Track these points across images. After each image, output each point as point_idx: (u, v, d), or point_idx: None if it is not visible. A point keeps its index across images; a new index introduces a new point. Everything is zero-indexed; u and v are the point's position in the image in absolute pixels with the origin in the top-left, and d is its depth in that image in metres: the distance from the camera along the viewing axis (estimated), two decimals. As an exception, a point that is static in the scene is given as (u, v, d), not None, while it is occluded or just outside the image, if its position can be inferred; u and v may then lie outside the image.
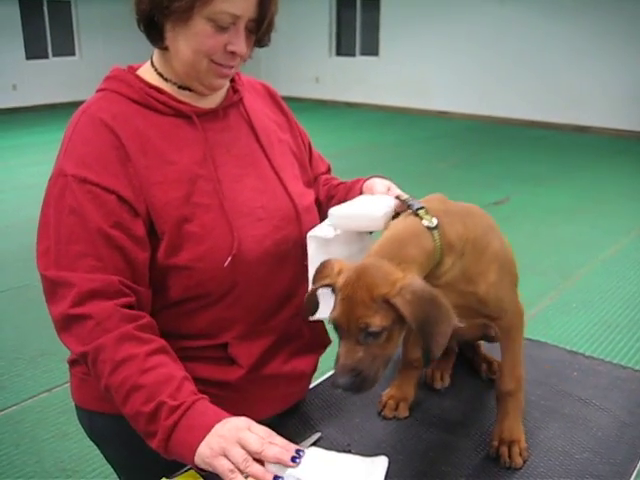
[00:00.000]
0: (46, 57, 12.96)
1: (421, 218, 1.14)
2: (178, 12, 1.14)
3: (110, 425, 1.29)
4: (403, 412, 1.41)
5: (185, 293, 1.22)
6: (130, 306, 1.14)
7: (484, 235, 1.20)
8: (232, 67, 1.23)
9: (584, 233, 5.45)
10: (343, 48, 13.59)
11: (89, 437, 1.39)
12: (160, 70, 1.26)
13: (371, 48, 13.06)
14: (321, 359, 1.45)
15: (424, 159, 8.25)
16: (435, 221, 1.13)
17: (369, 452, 1.26)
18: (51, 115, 11.99)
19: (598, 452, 1.29)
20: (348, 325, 1.02)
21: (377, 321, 1.00)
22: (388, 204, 1.29)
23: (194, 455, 1.02)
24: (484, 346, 1.59)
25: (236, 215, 1.22)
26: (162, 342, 1.13)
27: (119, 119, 1.19)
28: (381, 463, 1.17)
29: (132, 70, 1.28)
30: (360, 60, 13.26)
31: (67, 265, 1.12)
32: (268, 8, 1.20)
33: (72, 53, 13.35)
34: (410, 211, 1.16)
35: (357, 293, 1.01)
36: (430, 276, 1.13)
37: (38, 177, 7.90)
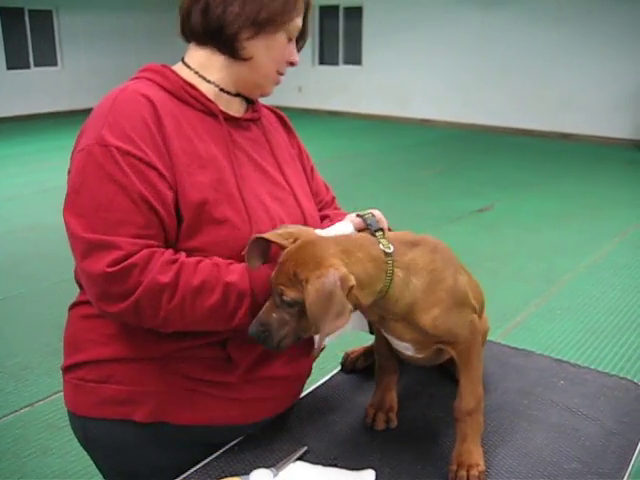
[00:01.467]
0: (28, 67, 12.86)
1: (378, 241, 1.17)
2: (274, 25, 1.27)
3: (105, 431, 1.30)
4: (394, 422, 1.40)
5: None
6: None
7: (440, 271, 1.20)
8: (283, 75, 1.37)
9: (568, 239, 5.48)
10: (326, 57, 13.62)
11: (82, 444, 1.38)
12: (202, 73, 1.32)
13: (354, 57, 13.10)
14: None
15: (407, 167, 8.26)
16: (391, 247, 1.16)
17: (356, 466, 1.24)
18: (32, 126, 11.91)
19: (586, 462, 1.28)
20: (274, 287, 1.12)
21: (290, 293, 1.09)
22: None
23: None
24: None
25: (253, 211, 1.27)
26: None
27: (157, 100, 1.23)
28: (369, 477, 1.16)
29: (167, 66, 1.34)
30: (343, 69, 13.30)
31: (109, 231, 1.14)
32: (308, 19, 1.35)
33: (54, 63, 13.27)
34: (368, 230, 1.22)
35: (289, 262, 1.10)
36: (381, 307, 1.17)
37: (19, 188, 7.86)
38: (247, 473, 1.17)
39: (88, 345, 1.30)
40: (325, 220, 1.50)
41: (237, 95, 1.36)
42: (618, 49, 9.86)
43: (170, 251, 1.18)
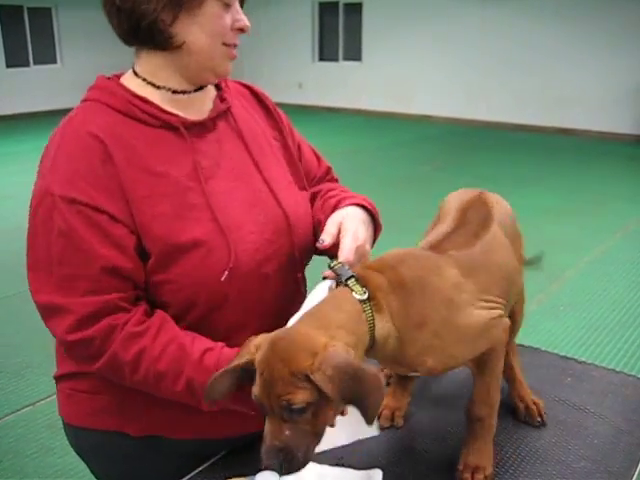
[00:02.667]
0: (27, 65, 12.85)
1: (351, 289, 1.05)
2: (192, 0, 1.11)
3: (97, 441, 1.28)
4: (399, 421, 1.38)
5: (172, 308, 1.17)
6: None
7: (420, 308, 1.06)
8: (236, 46, 1.20)
9: (570, 234, 5.47)
10: (326, 53, 13.59)
11: (76, 452, 1.36)
12: (150, 79, 1.20)
13: (354, 53, 13.07)
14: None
15: (408, 163, 8.25)
16: (365, 294, 1.04)
17: (362, 465, 1.23)
18: (32, 124, 11.88)
19: (595, 460, 1.26)
20: (270, 402, 0.94)
21: (299, 397, 0.92)
22: None
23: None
24: (521, 371, 1.45)
25: (229, 227, 1.18)
26: (158, 318, 1.13)
27: (105, 129, 1.13)
28: (376, 476, 1.14)
29: (116, 79, 1.23)
30: (343, 65, 13.27)
31: (59, 289, 1.09)
32: None
33: (53, 61, 13.25)
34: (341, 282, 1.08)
35: (275, 368, 0.93)
36: (376, 358, 1.09)
37: (19, 187, 7.85)
38: (253, 474, 1.15)
39: None
40: (317, 199, 1.40)
41: (196, 90, 1.24)
42: (619, 44, 9.83)
43: (133, 320, 1.11)
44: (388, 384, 1.42)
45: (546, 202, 6.48)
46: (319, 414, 0.94)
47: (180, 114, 1.21)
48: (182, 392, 1.11)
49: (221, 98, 1.29)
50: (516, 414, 1.40)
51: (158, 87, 1.20)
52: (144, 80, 1.20)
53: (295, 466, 0.94)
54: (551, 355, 1.70)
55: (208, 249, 1.15)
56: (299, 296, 1.28)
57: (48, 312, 1.12)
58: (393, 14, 12.15)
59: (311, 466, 1.07)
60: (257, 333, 1.19)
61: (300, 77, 13.48)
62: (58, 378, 1.32)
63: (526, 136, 10.42)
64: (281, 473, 0.94)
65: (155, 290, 1.16)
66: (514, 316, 1.37)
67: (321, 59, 13.66)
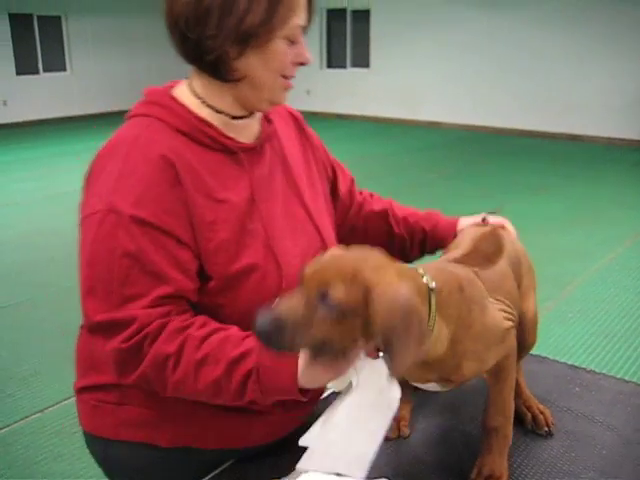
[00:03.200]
0: (37, 72, 12.92)
1: (421, 275, 1.03)
2: (259, 37, 1.12)
3: (124, 453, 1.26)
4: (404, 431, 1.38)
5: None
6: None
7: (466, 316, 1.08)
8: (293, 77, 1.23)
9: (579, 242, 5.44)
10: (334, 60, 13.62)
11: (100, 465, 1.34)
12: (209, 102, 1.21)
13: (362, 60, 13.09)
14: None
15: (416, 170, 8.23)
16: (434, 283, 1.03)
17: (369, 475, 1.23)
18: (42, 131, 11.96)
19: (603, 471, 1.25)
20: (312, 279, 0.92)
21: (339, 293, 0.89)
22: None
23: (294, 380, 1.05)
24: (525, 384, 1.46)
25: (280, 252, 1.21)
26: (204, 317, 1.14)
27: (174, 152, 1.13)
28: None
29: (171, 94, 1.22)
30: (351, 72, 13.29)
31: (123, 306, 1.09)
32: (314, 6, 1.23)
33: (63, 68, 13.32)
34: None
35: (344, 259, 0.93)
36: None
37: (28, 193, 7.87)
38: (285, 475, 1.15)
39: (105, 368, 1.22)
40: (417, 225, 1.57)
41: (249, 115, 1.27)
42: (625, 51, 9.81)
43: (182, 317, 1.11)
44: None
45: (554, 209, 6.46)
46: (338, 325, 0.91)
47: (236, 138, 1.23)
48: (220, 377, 1.07)
49: (267, 119, 1.33)
50: (523, 423, 1.39)
51: (218, 111, 1.21)
52: (203, 102, 1.21)
53: (275, 343, 0.92)
54: (559, 364, 1.69)
55: (262, 274, 1.18)
56: None
57: (106, 329, 1.10)
58: (401, 21, 12.17)
59: (316, 476, 1.07)
60: None
61: (308, 84, 13.50)
62: (81, 390, 1.31)
63: (534, 142, 10.40)
64: (261, 336, 0.92)
65: (207, 311, 1.17)
66: (524, 341, 1.38)
67: (329, 66, 13.69)
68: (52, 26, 12.98)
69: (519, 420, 1.39)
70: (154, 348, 1.08)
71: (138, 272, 1.08)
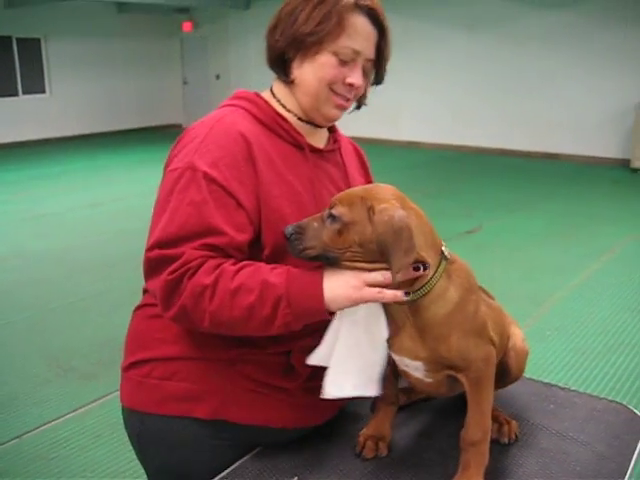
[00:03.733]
0: (16, 94, 12.88)
1: (442, 244, 1.23)
2: (310, 46, 1.34)
3: (163, 428, 1.36)
4: (383, 451, 1.39)
5: None
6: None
7: (468, 293, 1.24)
8: (348, 100, 1.41)
9: (556, 259, 5.51)
10: (313, 81, 13.71)
11: (134, 441, 1.43)
12: (283, 101, 1.43)
13: (341, 80, 13.19)
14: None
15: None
16: (450, 256, 1.23)
17: None
18: (21, 153, 11.90)
19: (577, 487, 1.28)
20: (331, 201, 1.20)
21: (341, 209, 1.17)
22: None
23: (323, 302, 1.18)
24: (496, 402, 1.48)
25: None
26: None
27: (252, 133, 1.33)
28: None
29: (257, 93, 1.44)
30: (331, 92, 13.39)
31: (176, 245, 1.22)
32: (384, 50, 1.43)
33: (42, 90, 13.28)
34: None
35: (361, 190, 1.21)
36: (411, 311, 1.20)
37: (6, 215, 7.79)
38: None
39: (156, 343, 1.38)
40: None
41: (316, 125, 1.44)
42: (601, 70, 9.99)
43: (219, 258, 1.23)
44: (375, 409, 1.44)
45: (533, 226, 6.53)
46: (341, 233, 1.16)
47: (306, 137, 1.43)
48: (255, 301, 1.18)
49: (334, 139, 1.54)
50: None
51: (288, 110, 1.42)
52: (279, 101, 1.43)
53: (295, 246, 1.19)
54: (534, 382, 1.72)
55: None
56: None
57: (158, 263, 1.23)
58: (379, 42, 12.30)
59: None
60: None
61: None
62: (128, 366, 1.42)
63: (513, 161, 10.52)
64: (288, 238, 1.19)
65: None
66: (510, 370, 1.45)
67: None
68: (31, 48, 12.96)
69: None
70: (192, 281, 1.19)
71: (196, 219, 1.23)
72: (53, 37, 13.13)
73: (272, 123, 1.39)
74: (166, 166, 1.34)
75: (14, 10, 12.10)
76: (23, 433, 3.03)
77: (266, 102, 1.42)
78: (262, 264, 1.24)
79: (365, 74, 1.42)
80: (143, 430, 1.40)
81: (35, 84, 13.14)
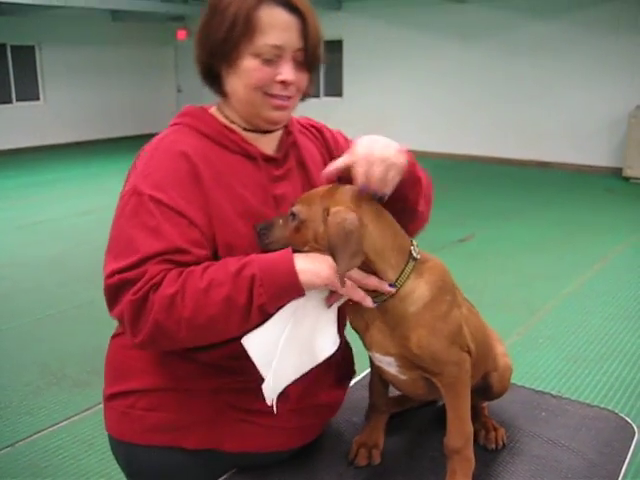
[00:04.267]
0: (10, 102, 12.86)
1: (412, 244, 1.25)
2: (228, 54, 1.28)
3: (151, 458, 1.34)
4: (376, 459, 1.40)
5: None
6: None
7: (442, 293, 1.25)
8: (288, 98, 1.33)
9: (549, 267, 5.53)
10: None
11: (125, 471, 1.41)
12: (227, 114, 1.37)
13: (334, 89, 13.23)
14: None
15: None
16: (419, 256, 1.24)
17: None
18: (14, 160, 11.87)
19: (568, 495, 1.28)
20: (294, 201, 1.26)
21: (298, 207, 1.23)
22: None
23: (296, 276, 1.17)
24: (488, 409, 1.53)
25: None
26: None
27: (195, 150, 1.29)
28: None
29: (203, 108, 1.39)
30: (324, 101, 13.42)
31: (133, 267, 1.18)
32: (311, 36, 1.30)
33: (36, 98, 13.26)
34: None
35: (324, 190, 1.25)
36: (380, 308, 1.22)
37: (3, 223, 7.73)
38: None
39: (136, 374, 1.34)
40: None
41: (265, 131, 1.38)
42: (595, 78, 10.05)
43: (182, 268, 1.19)
44: (367, 418, 1.44)
45: (526, 235, 6.55)
46: (298, 231, 1.21)
47: (258, 146, 1.37)
48: (229, 292, 1.15)
49: (287, 132, 1.44)
50: (476, 437, 1.42)
51: (232, 122, 1.37)
52: (224, 114, 1.38)
53: (261, 240, 1.25)
54: (526, 390, 1.73)
55: None
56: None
57: (120, 287, 1.18)
58: (373, 50, 12.35)
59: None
60: None
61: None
62: (110, 397, 1.38)
63: (507, 169, 10.56)
64: (257, 236, 1.25)
65: None
66: (492, 385, 1.46)
67: (303, 95, 13.81)
68: (26, 56, 12.95)
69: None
70: (158, 293, 1.15)
71: (154, 241, 1.19)
72: (47, 45, 13.13)
73: (219, 136, 1.34)
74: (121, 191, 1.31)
75: (8, 18, 12.09)
76: (15, 441, 3.02)
77: (212, 116, 1.37)
78: (228, 258, 1.22)
79: (299, 65, 1.31)
80: (132, 460, 1.38)
81: (29, 91, 13.13)
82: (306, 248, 1.21)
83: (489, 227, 6.85)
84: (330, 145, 1.55)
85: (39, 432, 3.06)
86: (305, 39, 1.29)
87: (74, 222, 7.31)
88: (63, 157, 12.21)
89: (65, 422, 3.15)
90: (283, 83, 1.30)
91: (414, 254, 1.23)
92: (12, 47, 12.70)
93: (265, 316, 1.19)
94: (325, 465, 1.40)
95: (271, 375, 1.22)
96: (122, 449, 1.38)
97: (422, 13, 11.61)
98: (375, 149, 1.22)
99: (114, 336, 1.43)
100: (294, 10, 1.28)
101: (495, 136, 11.19)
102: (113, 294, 1.19)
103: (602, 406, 1.68)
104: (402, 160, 1.25)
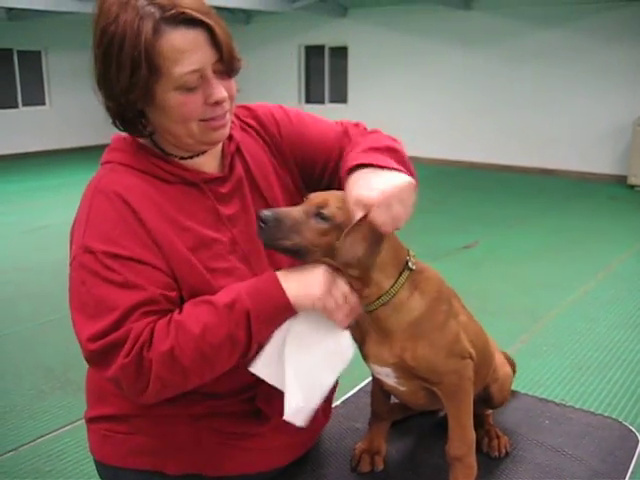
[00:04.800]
0: (16, 106, 12.92)
1: (409, 255, 1.24)
2: (143, 99, 1.15)
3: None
4: (379, 465, 1.40)
5: None
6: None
7: (437, 303, 1.24)
8: (224, 115, 1.21)
9: (553, 275, 5.52)
10: (312, 96, 13.78)
11: None
12: (161, 146, 1.26)
13: (339, 95, 13.26)
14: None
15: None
16: (414, 267, 1.22)
17: None
18: (21, 165, 11.91)
19: (571, 503, 1.28)
20: (313, 199, 1.17)
21: (334, 209, 1.14)
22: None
23: (293, 310, 1.14)
24: (493, 417, 1.53)
25: (259, 273, 1.24)
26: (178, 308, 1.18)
27: (132, 190, 1.18)
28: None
29: (132, 139, 1.26)
30: (329, 107, 13.44)
31: (113, 329, 1.11)
32: (222, 42, 1.16)
33: (42, 102, 13.33)
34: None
35: (340, 193, 1.18)
36: (375, 318, 1.21)
37: (5, 227, 7.76)
38: None
39: (113, 399, 1.29)
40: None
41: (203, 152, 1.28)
42: (600, 86, 10.05)
43: (164, 317, 1.14)
44: (370, 424, 1.45)
45: (530, 242, 6.55)
46: (325, 235, 1.13)
47: (198, 169, 1.27)
48: (231, 329, 1.12)
49: (229, 137, 1.32)
50: (480, 445, 1.43)
51: (168, 154, 1.26)
52: (156, 144, 1.26)
53: (268, 234, 1.12)
54: (529, 397, 1.73)
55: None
56: None
57: (106, 353, 1.12)
58: (377, 57, 12.38)
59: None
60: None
61: (287, 119, 13.62)
62: (91, 419, 1.36)
63: (510, 177, 10.56)
64: (261, 221, 1.12)
65: None
66: (493, 394, 1.46)
67: (307, 101, 13.84)
68: (32, 61, 13.02)
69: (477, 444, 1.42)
70: (152, 351, 1.10)
71: (125, 297, 1.12)
72: (53, 49, 13.20)
73: (153, 169, 1.22)
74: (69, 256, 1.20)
75: (15, 23, 12.16)
76: (19, 446, 3.02)
77: (143, 147, 1.25)
78: (207, 296, 1.16)
79: (221, 75, 1.19)
80: None
81: (35, 96, 13.19)
82: (318, 253, 1.15)
83: (492, 234, 6.84)
84: (273, 132, 1.41)
85: (43, 436, 3.06)
86: (217, 48, 1.16)
87: (79, 227, 7.32)
88: (68, 162, 12.24)
89: (69, 426, 3.15)
90: (216, 103, 1.19)
91: (410, 264, 1.22)
92: (18, 52, 12.77)
93: (261, 342, 1.17)
94: (328, 471, 1.40)
95: (295, 388, 1.17)
96: (106, 472, 1.35)
97: (426, 20, 11.63)
98: (383, 186, 1.13)
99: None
100: (194, 24, 1.13)
101: (499, 143, 11.19)
102: (100, 359, 1.12)
103: (606, 414, 1.68)
104: (407, 179, 1.19)
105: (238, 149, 1.34)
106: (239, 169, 1.33)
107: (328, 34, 13.01)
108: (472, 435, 1.28)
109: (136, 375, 1.10)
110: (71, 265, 1.17)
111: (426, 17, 11.62)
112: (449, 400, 1.26)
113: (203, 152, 1.28)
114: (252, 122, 1.41)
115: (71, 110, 13.58)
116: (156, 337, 1.11)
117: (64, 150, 13.36)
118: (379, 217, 1.10)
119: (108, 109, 1.21)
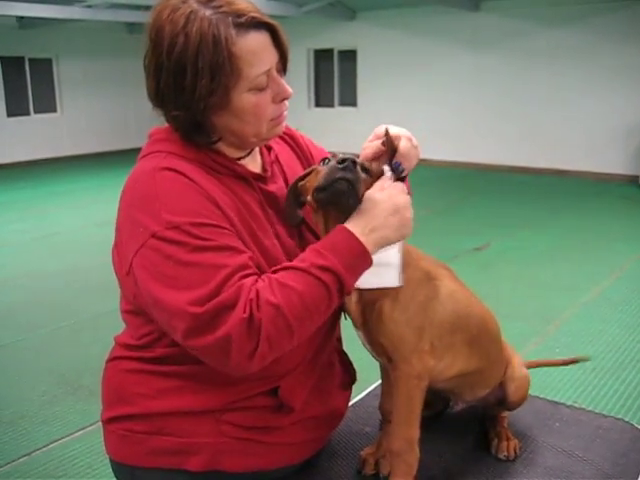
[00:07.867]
0: (28, 114, 13.02)
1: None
2: (219, 103, 1.19)
3: (155, 479, 1.30)
4: (384, 469, 1.39)
5: None
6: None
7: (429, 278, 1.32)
8: (286, 109, 1.30)
9: (565, 276, 5.49)
10: (322, 99, 13.79)
11: None
12: (214, 147, 1.29)
13: (349, 99, 13.27)
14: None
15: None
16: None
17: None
18: (32, 172, 11.99)
19: (582, 506, 1.27)
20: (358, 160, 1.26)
21: (373, 165, 1.30)
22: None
23: (360, 243, 1.19)
24: (508, 419, 1.53)
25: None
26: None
27: (193, 172, 1.21)
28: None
29: (177, 133, 1.28)
30: (339, 111, 13.46)
31: (220, 290, 1.11)
32: (283, 43, 1.26)
33: (53, 110, 13.43)
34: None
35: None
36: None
37: (17, 234, 7.82)
38: None
39: (136, 399, 1.30)
40: None
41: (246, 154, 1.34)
42: (611, 86, 10.00)
43: (264, 277, 1.16)
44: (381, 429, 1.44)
45: (542, 244, 6.52)
46: (367, 187, 1.23)
47: (245, 166, 1.32)
48: (323, 292, 1.15)
49: (267, 147, 1.41)
50: (489, 446, 1.44)
51: (218, 153, 1.29)
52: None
53: (349, 173, 1.19)
54: (540, 400, 1.72)
55: None
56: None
57: (214, 316, 1.11)
58: (386, 61, 12.37)
59: None
60: (311, 357, 1.35)
61: (297, 122, 13.63)
62: (110, 420, 1.35)
63: (521, 178, 10.51)
64: (344, 165, 1.19)
65: None
66: (507, 395, 1.47)
67: (317, 105, 13.86)
68: (43, 68, 13.11)
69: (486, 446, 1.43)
70: (261, 311, 1.09)
71: (222, 257, 1.13)
72: (64, 57, 13.29)
73: (206, 160, 1.26)
74: (127, 246, 1.20)
75: (27, 31, 12.27)
76: (32, 451, 3.04)
77: (187, 139, 1.27)
78: (287, 263, 1.20)
79: (281, 73, 1.28)
80: None
81: (46, 103, 13.29)
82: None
83: (505, 236, 6.81)
84: (305, 153, 1.52)
85: (55, 441, 3.07)
86: (279, 48, 1.26)
87: (91, 233, 7.36)
88: (80, 168, 12.32)
89: (81, 432, 3.16)
90: (283, 100, 1.27)
91: None
92: (30, 60, 12.87)
93: (348, 292, 1.21)
94: (335, 475, 1.40)
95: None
96: (123, 472, 1.35)
97: (436, 22, 11.62)
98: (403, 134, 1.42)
99: (110, 360, 1.40)
100: (261, 27, 1.22)
101: (511, 144, 11.15)
102: (208, 321, 1.10)
103: (618, 416, 1.66)
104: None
105: (277, 159, 1.41)
106: (279, 175, 1.40)
107: (337, 38, 13.02)
108: (415, 433, 1.26)
109: (248, 335, 1.09)
110: (143, 248, 1.15)
111: (434, 19, 11.61)
112: (399, 389, 1.25)
113: (248, 153, 1.34)
114: (286, 137, 1.50)
115: (82, 117, 13.68)
116: (262, 296, 1.11)
117: (75, 157, 13.44)
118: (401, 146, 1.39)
119: (174, 119, 1.23)
